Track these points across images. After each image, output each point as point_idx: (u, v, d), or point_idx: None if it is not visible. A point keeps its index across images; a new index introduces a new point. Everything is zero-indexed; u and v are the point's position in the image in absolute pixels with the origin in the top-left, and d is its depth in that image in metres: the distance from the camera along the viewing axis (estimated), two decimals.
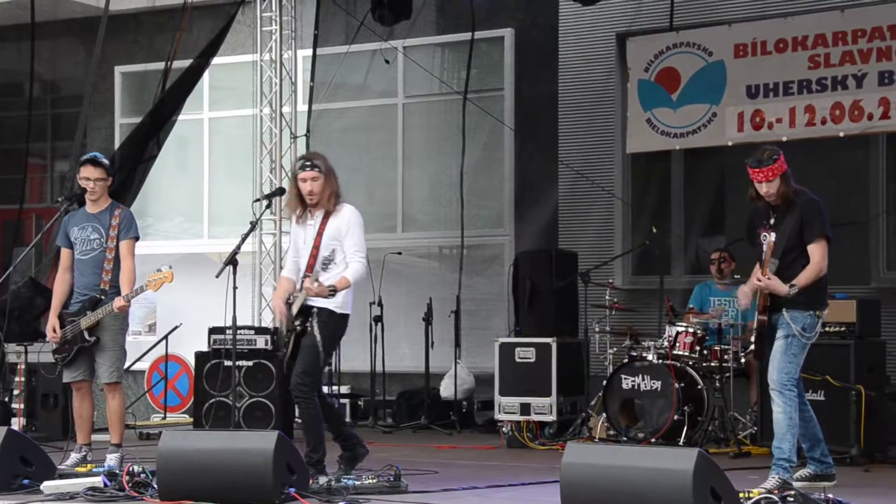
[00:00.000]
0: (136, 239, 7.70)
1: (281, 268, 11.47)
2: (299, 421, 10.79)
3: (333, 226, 6.85)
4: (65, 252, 7.73)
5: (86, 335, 7.52)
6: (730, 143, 10.41)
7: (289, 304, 6.89)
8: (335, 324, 6.82)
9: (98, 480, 6.37)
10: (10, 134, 14.32)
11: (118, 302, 7.38)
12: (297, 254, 7.03)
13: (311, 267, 6.81)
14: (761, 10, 10.48)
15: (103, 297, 7.56)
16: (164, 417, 11.69)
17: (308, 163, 6.95)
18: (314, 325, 6.76)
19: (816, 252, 6.55)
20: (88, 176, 7.61)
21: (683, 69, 10.57)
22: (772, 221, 6.71)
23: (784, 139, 10.05)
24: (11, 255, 11.99)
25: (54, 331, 7.57)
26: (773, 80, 10.11)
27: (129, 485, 6.17)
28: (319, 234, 6.85)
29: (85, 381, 7.65)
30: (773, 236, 6.54)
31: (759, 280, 6.52)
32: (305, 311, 6.80)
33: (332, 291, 6.68)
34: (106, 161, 7.82)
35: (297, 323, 6.79)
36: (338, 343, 7.04)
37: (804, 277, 6.50)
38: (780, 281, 6.48)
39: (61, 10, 12.90)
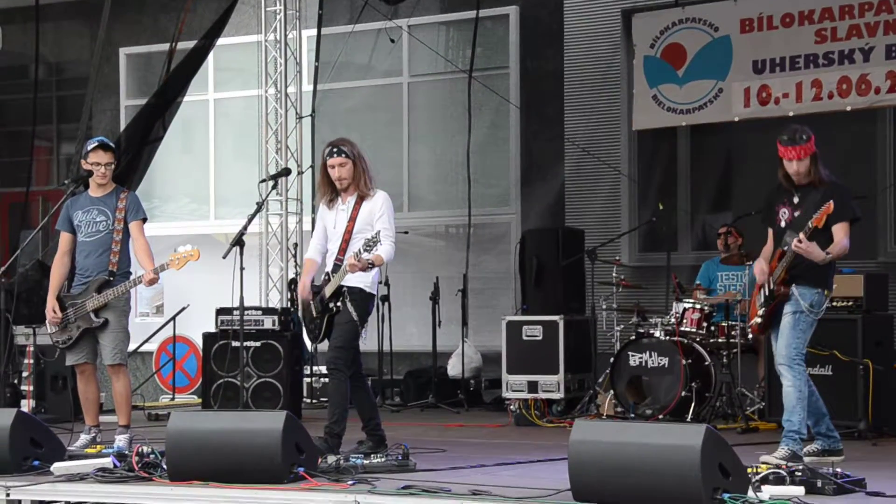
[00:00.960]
0: (145, 220, 7.73)
1: (287, 248, 11.54)
2: (307, 401, 10.90)
3: (367, 210, 6.94)
4: (65, 236, 7.74)
5: (92, 316, 7.54)
6: (736, 119, 10.38)
7: (315, 288, 6.95)
8: (366, 301, 6.96)
9: (108, 461, 6.39)
10: (15, 116, 14.33)
11: (148, 276, 7.42)
12: (323, 237, 7.09)
13: (342, 251, 6.90)
14: None
15: (112, 279, 7.58)
16: (173, 398, 11.73)
17: (335, 149, 7.02)
18: (348, 304, 6.87)
19: (841, 232, 6.61)
20: (99, 161, 7.60)
21: (689, 45, 10.54)
22: (795, 200, 6.76)
23: (791, 114, 10.02)
24: (19, 237, 12.02)
25: (54, 311, 7.58)
26: (779, 55, 10.08)
27: (139, 465, 6.19)
28: (352, 218, 6.94)
29: (88, 363, 7.66)
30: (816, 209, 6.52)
31: (800, 243, 6.52)
32: (336, 293, 6.92)
33: (370, 265, 6.78)
34: (113, 145, 7.83)
35: (331, 305, 6.88)
36: (367, 320, 7.10)
37: (834, 249, 6.58)
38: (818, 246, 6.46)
39: None
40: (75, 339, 7.60)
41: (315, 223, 7.74)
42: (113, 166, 7.68)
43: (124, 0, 12.43)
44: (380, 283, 10.82)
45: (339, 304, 6.91)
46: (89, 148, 7.68)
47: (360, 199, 6.96)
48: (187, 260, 7.36)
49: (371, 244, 6.73)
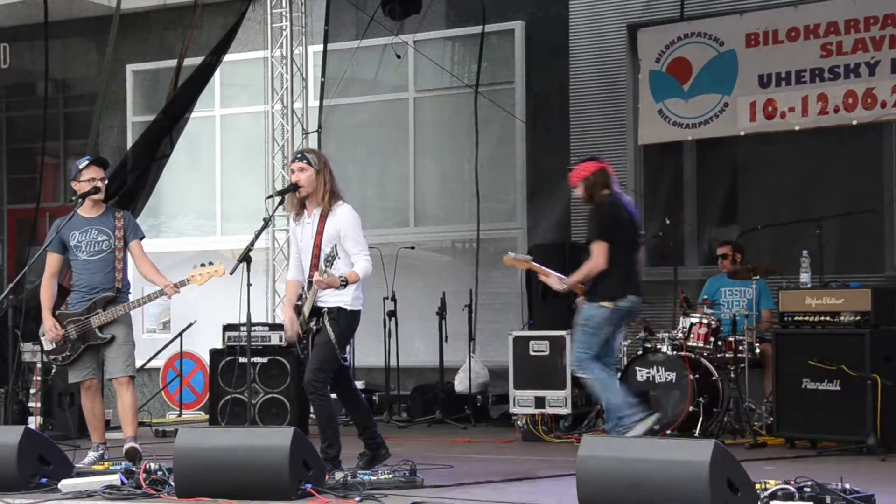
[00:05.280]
0: (143, 238, 7.81)
1: None
2: (314, 417, 10.87)
3: (331, 226, 6.83)
4: (54, 257, 7.76)
5: (98, 333, 7.55)
6: (742, 133, 10.39)
7: (298, 308, 6.90)
8: (346, 319, 6.84)
9: (115, 478, 6.39)
10: (23, 133, 14.37)
11: (171, 289, 7.47)
12: (298, 254, 7.05)
13: (314, 266, 6.82)
14: None
15: (117, 296, 7.60)
16: (180, 415, 11.72)
17: (299, 154, 6.99)
18: (326, 323, 6.78)
19: (592, 251, 7.66)
20: (95, 176, 7.66)
21: (695, 59, 10.55)
22: None
23: (797, 128, 10.05)
24: (27, 254, 12.03)
25: (55, 328, 7.59)
26: (785, 69, 10.08)
27: (146, 482, 6.19)
28: (319, 232, 6.85)
29: (94, 378, 7.68)
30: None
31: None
32: (316, 311, 6.84)
33: (344, 283, 6.70)
34: (105, 161, 7.92)
35: (311, 324, 6.83)
36: (350, 339, 7.05)
37: (575, 273, 7.76)
38: None
39: (74, 9, 12.93)
40: (78, 355, 7.61)
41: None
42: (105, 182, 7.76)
43: (131, 17, 12.49)
44: (385, 298, 10.95)
45: (318, 324, 6.83)
46: (81, 167, 7.73)
47: (324, 215, 6.86)
48: (211, 276, 7.40)
49: (330, 259, 6.66)
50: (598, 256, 7.58)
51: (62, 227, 7.72)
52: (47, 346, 7.70)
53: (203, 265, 7.52)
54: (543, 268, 7.96)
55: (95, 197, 7.68)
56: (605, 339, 7.65)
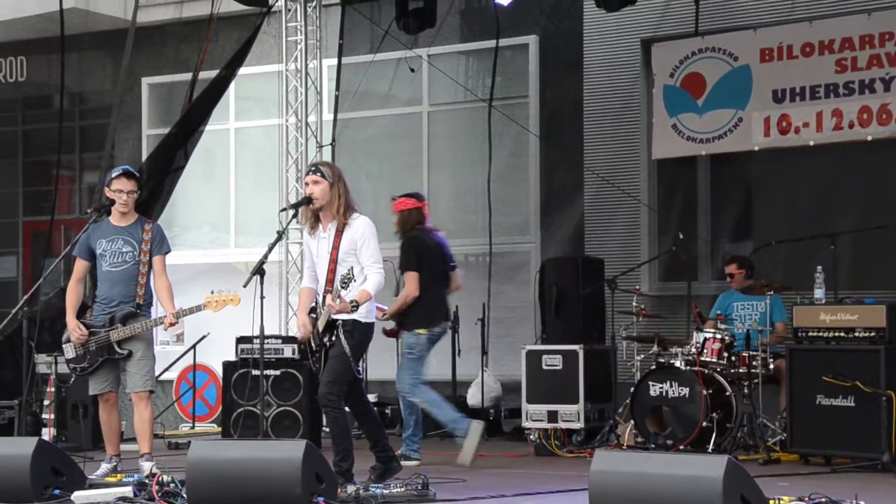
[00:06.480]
0: (167, 253, 7.77)
1: None
2: (327, 430, 10.87)
3: (348, 239, 6.85)
4: (82, 263, 7.77)
5: (116, 347, 7.56)
6: (756, 148, 10.36)
7: (313, 321, 6.91)
8: (361, 332, 6.86)
9: (128, 490, 6.40)
10: (38, 146, 14.44)
11: (169, 319, 7.44)
12: (312, 265, 7.05)
13: (330, 282, 6.83)
14: (787, 14, 10.43)
15: (138, 311, 7.60)
16: (193, 427, 11.73)
17: (313, 167, 7.00)
18: (341, 336, 6.78)
19: (405, 281, 8.53)
20: (122, 188, 7.64)
21: (709, 74, 10.54)
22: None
23: (811, 143, 10.02)
24: (42, 266, 12.07)
25: (79, 329, 7.58)
26: (799, 85, 10.06)
27: (159, 494, 6.19)
28: (335, 247, 6.86)
29: (112, 391, 7.68)
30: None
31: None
32: (331, 325, 6.84)
33: (355, 306, 6.72)
34: (137, 173, 7.88)
35: (324, 339, 6.83)
36: (365, 350, 7.05)
37: (394, 304, 8.65)
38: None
39: (90, 22, 12.99)
40: (97, 367, 7.62)
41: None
42: (136, 195, 7.72)
43: (147, 30, 12.55)
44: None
45: (332, 338, 6.84)
46: (113, 175, 7.74)
47: (340, 229, 6.87)
48: (226, 304, 7.39)
49: (347, 280, 6.66)
50: (410, 285, 8.51)
51: (91, 233, 7.72)
52: (69, 354, 7.71)
53: (220, 291, 7.50)
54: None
55: (121, 208, 7.67)
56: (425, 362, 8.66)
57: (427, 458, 8.71)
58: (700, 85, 10.59)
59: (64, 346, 7.80)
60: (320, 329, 6.85)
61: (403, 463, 7.78)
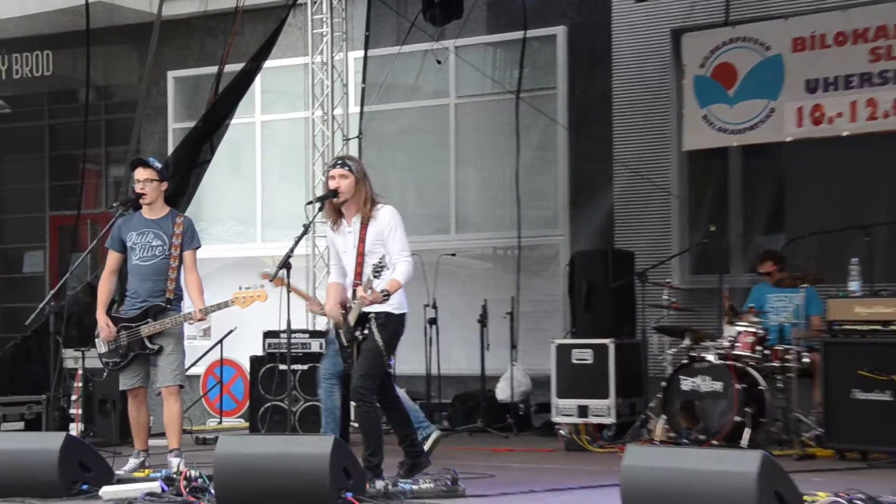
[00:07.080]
0: (198, 248, 7.73)
1: None
2: (355, 425, 10.84)
3: (374, 230, 6.79)
4: (114, 255, 7.74)
5: (147, 343, 7.52)
6: (789, 139, 10.24)
7: (344, 315, 6.84)
8: (394, 324, 6.81)
9: (156, 486, 6.37)
10: (64, 140, 14.46)
11: (197, 315, 7.42)
12: (338, 260, 7.00)
13: (358, 275, 6.77)
14: (819, 3, 10.28)
15: (168, 307, 7.56)
16: (220, 422, 11.71)
17: (339, 161, 6.95)
18: (373, 329, 6.73)
19: None
20: (138, 178, 7.63)
21: (740, 64, 10.41)
22: None
23: (845, 134, 9.88)
24: (69, 260, 12.07)
25: (108, 326, 7.55)
26: (832, 74, 9.92)
27: (187, 490, 6.16)
28: (362, 239, 6.80)
29: (142, 387, 7.66)
30: None
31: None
32: (362, 318, 6.77)
33: (386, 296, 6.65)
34: (157, 163, 7.82)
35: (357, 333, 6.76)
36: (397, 344, 6.99)
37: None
38: None
39: (116, 16, 13.00)
40: (128, 362, 7.59)
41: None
42: (155, 183, 7.64)
43: (173, 24, 12.52)
44: (426, 305, 10.88)
45: (365, 331, 6.77)
46: (130, 168, 7.76)
47: (365, 222, 6.81)
48: (254, 300, 7.35)
49: (379, 269, 6.59)
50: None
51: (122, 224, 7.70)
52: (101, 349, 7.68)
53: (248, 287, 7.46)
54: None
55: (145, 199, 7.64)
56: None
57: (456, 455, 8.63)
58: (731, 75, 10.46)
59: (96, 340, 7.77)
60: (352, 323, 6.78)
61: (432, 438, 7.58)
